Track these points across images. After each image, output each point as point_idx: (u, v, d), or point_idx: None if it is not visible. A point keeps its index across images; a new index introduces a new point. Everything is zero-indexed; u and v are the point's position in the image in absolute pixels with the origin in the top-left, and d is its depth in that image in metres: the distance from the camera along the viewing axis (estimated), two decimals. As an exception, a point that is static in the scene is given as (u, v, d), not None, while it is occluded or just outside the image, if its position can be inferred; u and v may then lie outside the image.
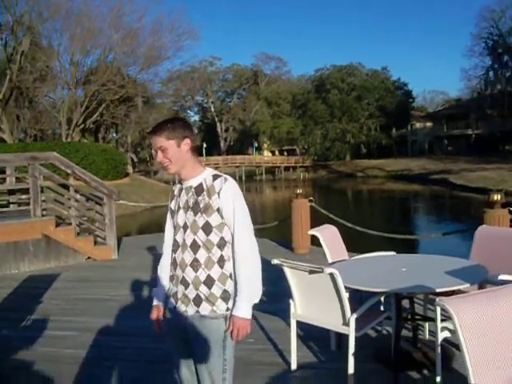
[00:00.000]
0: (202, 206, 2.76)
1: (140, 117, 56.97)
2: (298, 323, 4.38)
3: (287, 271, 4.17)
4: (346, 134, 72.19)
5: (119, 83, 48.12)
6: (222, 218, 2.76)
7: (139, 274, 8.61)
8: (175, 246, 2.89)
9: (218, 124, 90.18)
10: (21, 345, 5.48)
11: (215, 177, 2.80)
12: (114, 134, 65.58)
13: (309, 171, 71.00)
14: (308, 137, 75.24)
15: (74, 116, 46.67)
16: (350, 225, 9.45)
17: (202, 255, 2.77)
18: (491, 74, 62.57)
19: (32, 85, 45.24)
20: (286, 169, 73.84)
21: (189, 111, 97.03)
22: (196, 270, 2.77)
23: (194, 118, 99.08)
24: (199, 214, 2.78)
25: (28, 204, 9.85)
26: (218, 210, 2.76)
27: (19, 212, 10.19)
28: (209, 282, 2.78)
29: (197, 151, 2.92)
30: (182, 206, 2.88)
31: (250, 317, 2.78)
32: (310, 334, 5.02)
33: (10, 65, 42.07)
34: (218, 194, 2.76)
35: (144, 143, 76.51)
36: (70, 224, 10.21)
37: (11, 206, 10.60)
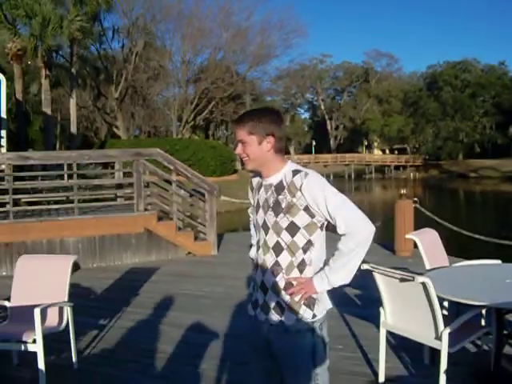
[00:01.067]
0: (284, 205, 2.51)
1: (249, 114, 57.53)
2: (390, 331, 4.13)
3: (377, 277, 3.93)
4: (459, 132, 69.54)
5: (228, 81, 48.99)
6: (313, 216, 2.49)
7: (237, 271, 8.51)
8: (257, 246, 2.68)
9: (328, 122, 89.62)
10: (112, 335, 5.60)
11: (295, 172, 2.53)
12: (224, 131, 66.82)
13: (419, 170, 69.11)
14: (419, 135, 73.23)
15: (185, 113, 47.99)
16: (455, 228, 8.97)
17: (284, 259, 2.54)
18: None
19: (146, 83, 47.11)
20: (396, 168, 72.29)
21: (299, 109, 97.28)
22: (276, 275, 2.55)
23: (304, 115, 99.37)
24: (282, 214, 2.52)
25: (133, 198, 10.11)
26: (307, 208, 2.49)
27: (125, 206, 10.51)
28: (289, 289, 2.55)
29: (281, 151, 2.64)
30: (261, 204, 2.64)
31: (320, 291, 2.54)
32: (403, 344, 4.71)
33: (126, 65, 43.97)
34: (301, 190, 2.48)
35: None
36: (172, 219, 10.38)
37: (118, 199, 10.98)
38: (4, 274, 8.71)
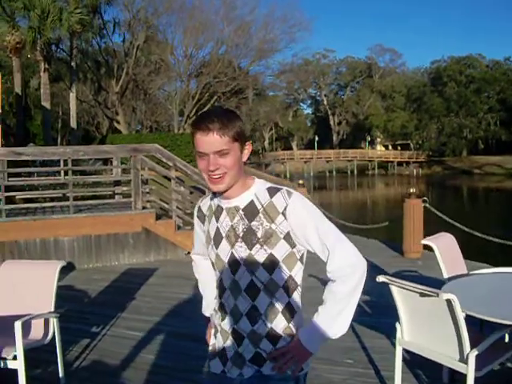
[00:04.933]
0: (260, 234, 1.97)
1: (251, 109, 57.35)
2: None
3: (394, 290, 3.53)
4: (463, 128, 68.92)
5: (231, 75, 48.64)
6: (293, 245, 2.00)
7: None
8: (220, 288, 2.13)
9: (331, 117, 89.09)
10: (104, 344, 5.25)
11: (272, 191, 1.99)
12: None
13: (423, 167, 68.65)
14: (422, 131, 72.67)
15: (187, 108, 47.63)
16: (467, 229, 8.59)
17: (262, 302, 2.02)
18: None
19: (147, 77, 46.76)
20: (399, 164, 71.86)
21: (302, 104, 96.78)
22: (254, 322, 2.04)
23: (306, 110, 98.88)
24: (258, 245, 1.98)
25: (131, 196, 9.75)
26: (287, 236, 1.98)
27: (122, 204, 10.14)
28: (272, 337, 2.04)
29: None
30: (223, 234, 2.06)
31: (314, 352, 2.02)
32: (419, 360, 4.32)
33: (127, 58, 43.58)
34: (284, 214, 1.96)
35: (255, 135, 77.09)
36: (171, 217, 10.00)
37: (116, 197, 10.62)
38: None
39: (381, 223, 11.05)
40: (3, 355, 3.80)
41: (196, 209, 2.26)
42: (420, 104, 72.41)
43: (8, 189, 9.60)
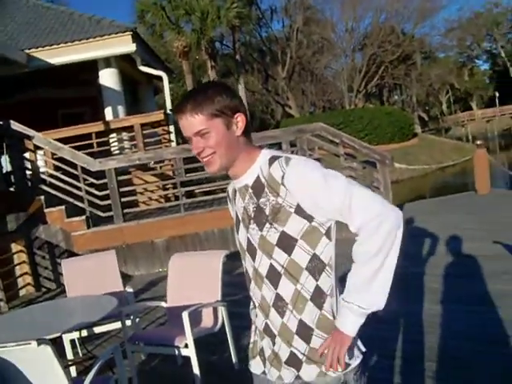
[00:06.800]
0: (268, 211, 1.74)
1: (421, 74, 55.12)
2: None
3: None
4: None
5: (395, 42, 47.14)
6: (310, 219, 1.72)
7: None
8: (248, 280, 1.91)
9: (511, 69, 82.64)
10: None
11: (271, 161, 1.75)
12: (400, 95, 64.68)
13: None
14: None
15: (355, 82, 47.01)
16: None
17: (285, 288, 1.77)
18: None
19: (312, 58, 46.90)
20: None
21: (477, 60, 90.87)
22: (282, 314, 1.80)
23: (483, 66, 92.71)
24: (268, 224, 1.74)
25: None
26: (299, 208, 1.71)
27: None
28: (304, 332, 1.79)
29: (250, 133, 1.84)
30: (240, 217, 1.88)
31: (353, 334, 1.74)
32: None
33: (289, 43, 44.05)
34: (283, 184, 1.71)
35: (430, 101, 74.07)
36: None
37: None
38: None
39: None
40: (176, 344, 3.97)
41: (227, 192, 2.06)
42: None
43: (186, 184, 10.12)
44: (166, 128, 13.29)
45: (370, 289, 1.68)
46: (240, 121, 1.77)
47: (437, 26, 57.15)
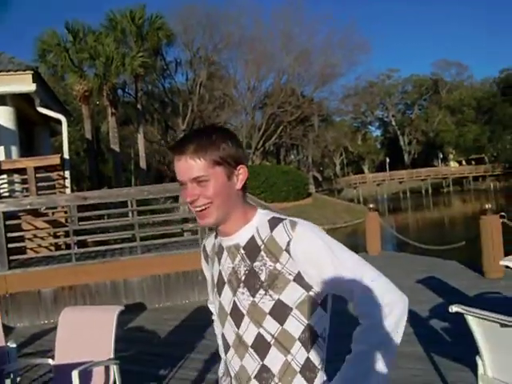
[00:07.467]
0: (264, 277, 1.59)
1: (317, 135, 57.16)
2: None
3: (471, 321, 3.17)
4: (541, 137, 66.29)
5: (295, 104, 48.79)
6: (308, 288, 1.59)
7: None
8: (225, 347, 1.74)
9: (401, 137, 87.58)
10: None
11: (273, 223, 1.61)
12: (295, 155, 66.46)
13: (500, 180, 66.33)
14: (496, 143, 70.37)
15: (254, 140, 47.98)
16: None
17: (274, 360, 1.60)
18: None
19: (212, 113, 47.48)
20: (475, 179, 69.89)
21: (370, 126, 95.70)
22: None
23: (375, 133, 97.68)
24: (262, 291, 1.59)
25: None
26: (298, 277, 1.57)
27: (191, 241, 10.06)
28: None
29: (247, 186, 1.68)
30: (225, 278, 1.69)
31: None
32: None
33: (191, 96, 44.54)
34: (288, 250, 1.56)
35: (325, 162, 76.73)
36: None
37: (185, 234, 10.57)
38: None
39: (459, 243, 10.53)
40: (62, 407, 3.70)
41: (201, 248, 1.91)
42: (491, 115, 70.39)
43: (80, 232, 9.74)
44: (61, 173, 12.83)
45: (373, 377, 1.52)
46: (242, 173, 1.63)
47: (335, 92, 59.55)
